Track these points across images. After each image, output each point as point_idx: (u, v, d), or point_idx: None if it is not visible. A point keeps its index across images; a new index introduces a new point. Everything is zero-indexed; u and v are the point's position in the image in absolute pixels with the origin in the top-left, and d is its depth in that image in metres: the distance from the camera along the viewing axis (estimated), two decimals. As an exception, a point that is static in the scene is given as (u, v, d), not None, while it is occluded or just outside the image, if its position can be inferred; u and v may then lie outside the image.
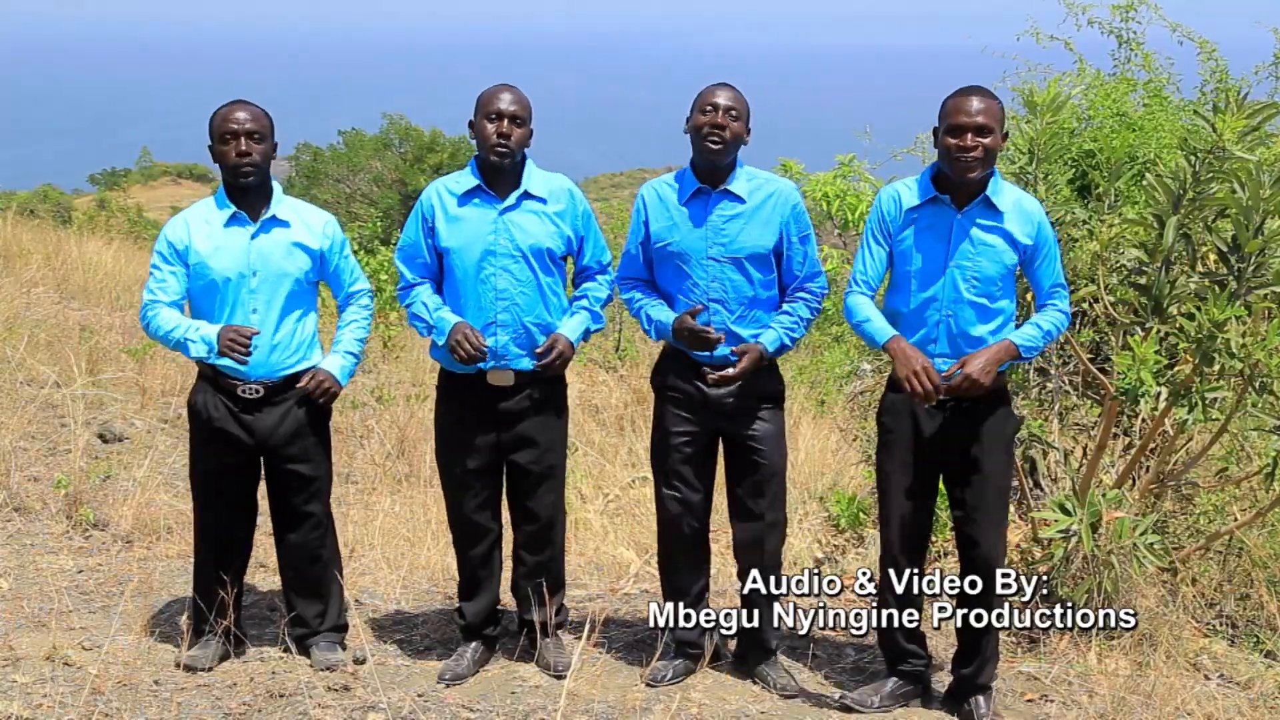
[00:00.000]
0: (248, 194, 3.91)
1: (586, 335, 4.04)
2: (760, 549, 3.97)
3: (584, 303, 4.05)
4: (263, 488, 4.17)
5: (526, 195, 3.93)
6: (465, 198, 3.93)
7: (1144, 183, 4.67)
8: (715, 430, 3.97)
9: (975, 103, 3.56)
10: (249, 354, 3.76)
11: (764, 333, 3.89)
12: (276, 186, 3.99)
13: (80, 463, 5.71)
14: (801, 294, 3.94)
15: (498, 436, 3.98)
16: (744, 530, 3.99)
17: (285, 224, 3.94)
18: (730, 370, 3.80)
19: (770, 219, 3.86)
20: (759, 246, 3.85)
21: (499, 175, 3.92)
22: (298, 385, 3.93)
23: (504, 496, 4.16)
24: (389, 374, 9.08)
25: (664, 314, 3.89)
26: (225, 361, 3.85)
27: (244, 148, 3.82)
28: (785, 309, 3.94)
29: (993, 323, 3.67)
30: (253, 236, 3.89)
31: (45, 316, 8.77)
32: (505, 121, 3.84)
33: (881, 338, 3.68)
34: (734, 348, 3.84)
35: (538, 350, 3.89)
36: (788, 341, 3.90)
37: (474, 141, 3.94)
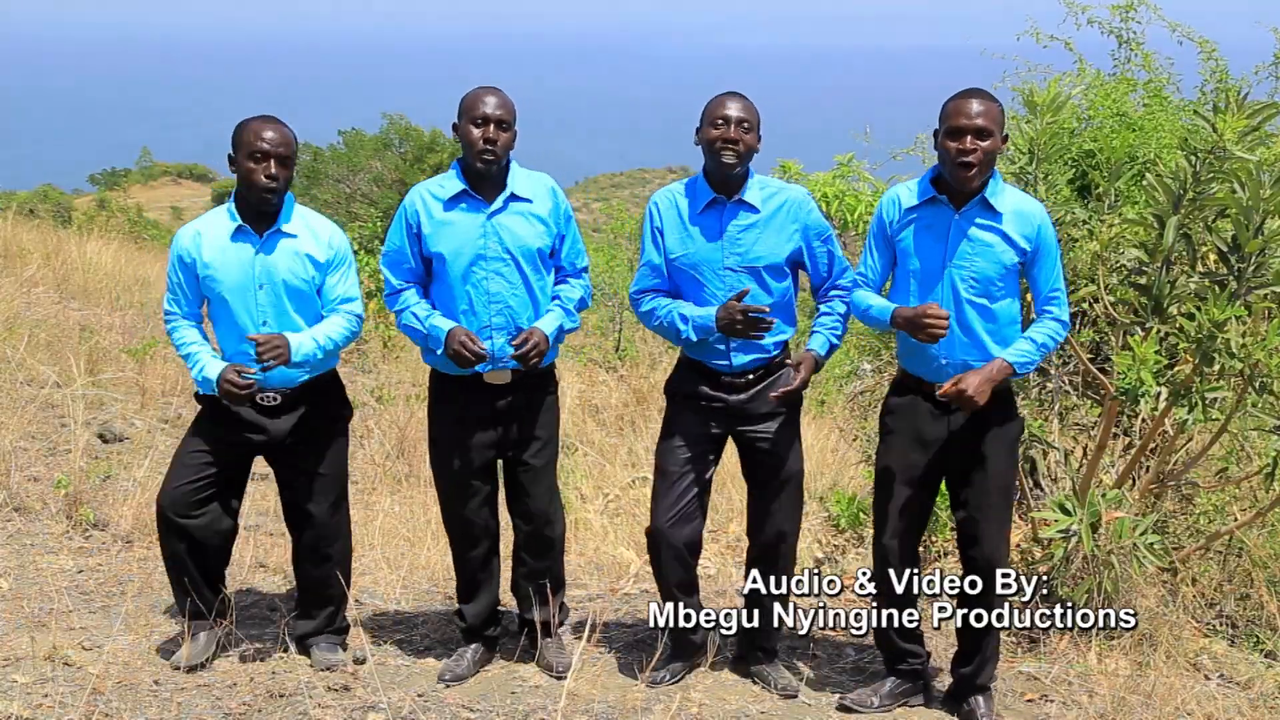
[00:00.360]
0: (264, 208, 3.89)
1: (561, 333, 3.98)
2: (777, 552, 3.98)
3: (557, 302, 4.01)
4: (267, 489, 4.17)
5: (513, 197, 3.91)
6: (451, 202, 3.90)
7: (1144, 183, 4.67)
8: (728, 436, 3.97)
9: (975, 105, 3.56)
10: (246, 400, 3.82)
11: (812, 338, 3.92)
12: (289, 196, 3.97)
13: (80, 463, 5.71)
14: (835, 291, 3.95)
15: (495, 435, 3.98)
16: (764, 534, 3.98)
17: (292, 236, 3.91)
18: (793, 384, 3.80)
19: (785, 227, 3.86)
20: (774, 256, 3.85)
21: (484, 178, 3.90)
22: (249, 337, 3.83)
23: (500, 497, 4.17)
24: (389, 374, 9.09)
25: (700, 309, 3.84)
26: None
27: (272, 171, 3.79)
28: (824, 309, 3.96)
29: (994, 323, 3.67)
30: (258, 250, 3.88)
31: (45, 316, 8.77)
32: (491, 126, 3.81)
33: (886, 315, 3.71)
34: (789, 360, 3.87)
35: (514, 341, 3.85)
36: (835, 340, 3.94)
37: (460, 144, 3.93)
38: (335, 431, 4.08)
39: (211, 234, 3.91)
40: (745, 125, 3.76)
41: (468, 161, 3.89)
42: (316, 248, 3.94)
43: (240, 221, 3.88)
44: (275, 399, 3.93)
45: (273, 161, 3.79)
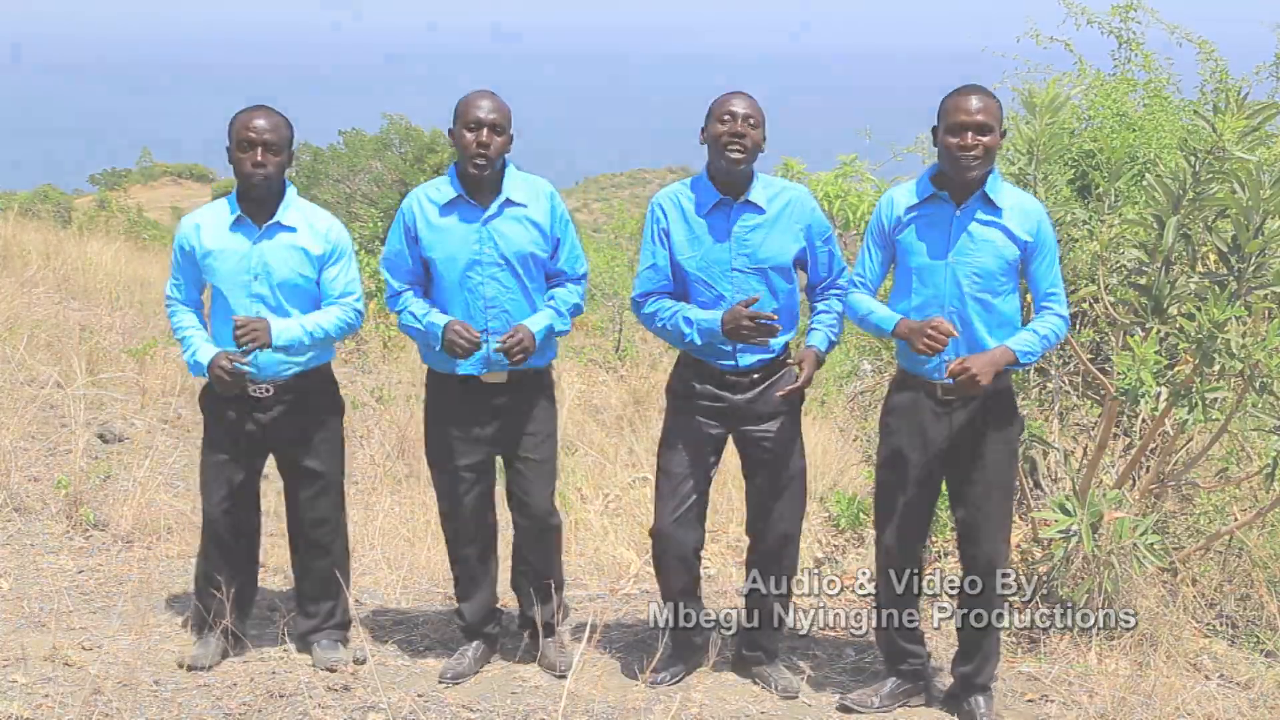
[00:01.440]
0: (259, 199, 3.92)
1: (551, 334, 3.94)
2: (781, 554, 3.97)
3: (551, 303, 3.98)
4: (264, 488, 4.19)
5: (508, 202, 3.91)
6: (447, 208, 3.90)
7: (1144, 183, 4.68)
8: (728, 435, 3.97)
9: (975, 101, 3.57)
10: (235, 388, 3.84)
11: (812, 335, 3.93)
12: (291, 189, 3.98)
13: (80, 463, 5.71)
14: (834, 291, 3.97)
15: (491, 432, 3.99)
16: (768, 536, 3.97)
17: (291, 229, 3.94)
18: (798, 382, 3.82)
19: (790, 227, 3.87)
20: (782, 256, 3.86)
21: (480, 183, 3.89)
22: (233, 318, 3.83)
23: (496, 496, 4.17)
24: (389, 374, 9.09)
25: (706, 312, 3.82)
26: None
27: (259, 159, 3.82)
28: (821, 308, 3.98)
29: (996, 318, 3.67)
30: (255, 241, 3.90)
31: (45, 316, 8.76)
32: (485, 131, 3.80)
33: (889, 325, 3.70)
34: (790, 359, 3.87)
35: (501, 337, 3.81)
36: (834, 337, 3.96)
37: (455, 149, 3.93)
38: (329, 427, 4.09)
39: (212, 223, 3.96)
40: (752, 122, 3.77)
41: (462, 167, 3.88)
42: (313, 241, 3.96)
43: (240, 212, 3.91)
44: (268, 390, 3.94)
45: (259, 149, 3.82)
